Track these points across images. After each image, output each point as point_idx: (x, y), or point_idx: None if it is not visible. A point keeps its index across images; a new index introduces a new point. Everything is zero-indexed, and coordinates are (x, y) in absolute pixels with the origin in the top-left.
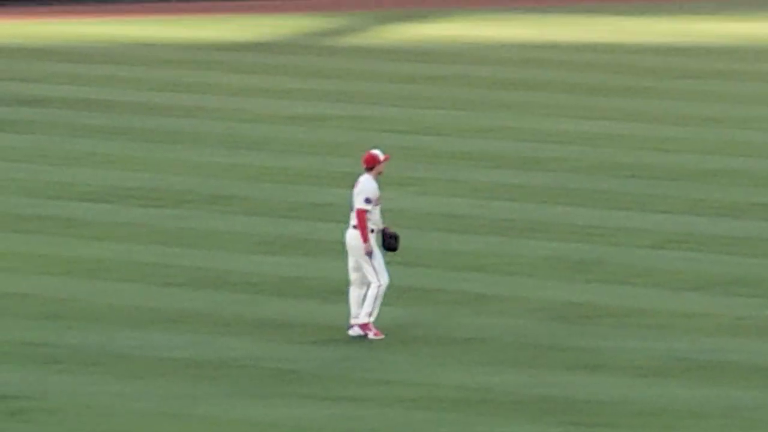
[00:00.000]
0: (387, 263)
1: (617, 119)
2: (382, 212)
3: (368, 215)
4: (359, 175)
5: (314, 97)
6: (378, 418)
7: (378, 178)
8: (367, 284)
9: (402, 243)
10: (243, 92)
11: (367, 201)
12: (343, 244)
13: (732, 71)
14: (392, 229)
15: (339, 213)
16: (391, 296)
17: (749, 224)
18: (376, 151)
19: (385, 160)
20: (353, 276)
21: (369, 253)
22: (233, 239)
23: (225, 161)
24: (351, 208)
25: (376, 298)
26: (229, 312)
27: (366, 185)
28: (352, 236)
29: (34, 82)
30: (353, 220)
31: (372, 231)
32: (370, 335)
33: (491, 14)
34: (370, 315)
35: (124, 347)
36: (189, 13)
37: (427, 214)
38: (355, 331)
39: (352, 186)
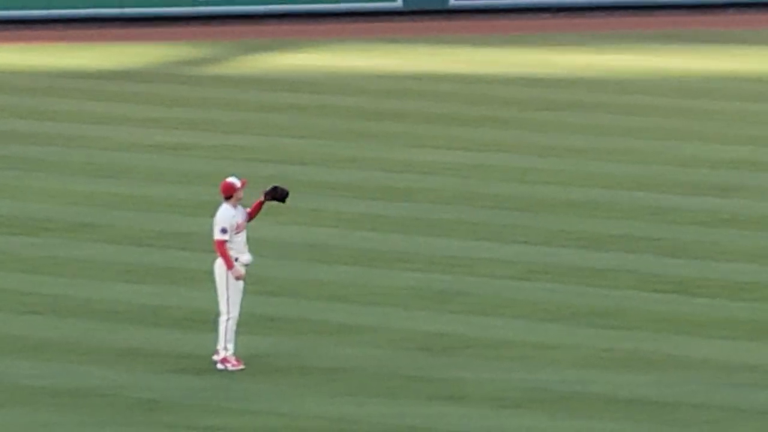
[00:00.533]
0: (250, 291)
1: (478, 150)
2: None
3: (229, 244)
4: (220, 203)
5: (178, 125)
6: None
7: (238, 204)
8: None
9: (265, 272)
10: (105, 120)
11: (223, 231)
12: (210, 273)
13: (593, 103)
14: (268, 188)
15: (202, 242)
16: (253, 326)
17: (610, 255)
18: (231, 179)
19: (243, 185)
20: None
21: (239, 278)
22: (95, 267)
23: (87, 189)
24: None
25: (227, 332)
26: (91, 340)
27: (221, 215)
28: (217, 265)
29: None
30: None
31: (236, 260)
32: (230, 367)
33: (354, 44)
34: (225, 349)
35: None
36: (51, 41)
37: (290, 243)
38: (220, 365)
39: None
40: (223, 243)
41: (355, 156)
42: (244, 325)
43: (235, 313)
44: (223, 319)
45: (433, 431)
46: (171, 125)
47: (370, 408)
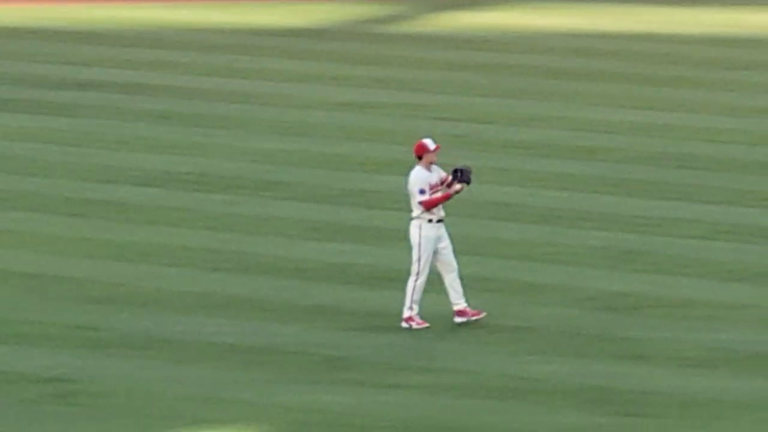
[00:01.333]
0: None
1: (666, 109)
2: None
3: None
4: (409, 163)
5: (365, 83)
6: (424, 405)
7: (430, 166)
8: (454, 270)
9: (452, 230)
10: (293, 78)
11: (422, 192)
12: (401, 231)
13: None
14: (460, 166)
15: (388, 200)
16: (439, 284)
17: None
18: (426, 140)
19: (436, 150)
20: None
21: (457, 191)
22: (282, 225)
23: (275, 147)
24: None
25: (414, 292)
26: (277, 298)
27: (415, 177)
28: (412, 226)
29: (84, 66)
30: (413, 212)
31: (431, 221)
32: (414, 326)
33: (542, 3)
34: (411, 308)
35: (173, 332)
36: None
37: (477, 202)
38: (404, 323)
39: (405, 174)
40: (426, 202)
41: (542, 115)
42: (430, 283)
43: (423, 276)
44: (412, 278)
45: (617, 390)
46: (359, 83)
47: (556, 366)
